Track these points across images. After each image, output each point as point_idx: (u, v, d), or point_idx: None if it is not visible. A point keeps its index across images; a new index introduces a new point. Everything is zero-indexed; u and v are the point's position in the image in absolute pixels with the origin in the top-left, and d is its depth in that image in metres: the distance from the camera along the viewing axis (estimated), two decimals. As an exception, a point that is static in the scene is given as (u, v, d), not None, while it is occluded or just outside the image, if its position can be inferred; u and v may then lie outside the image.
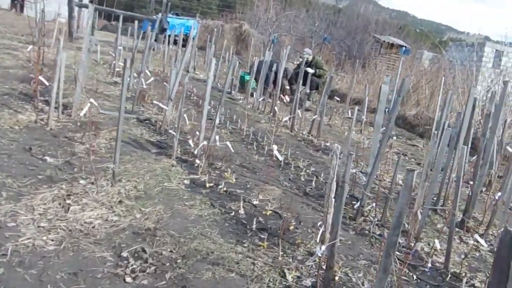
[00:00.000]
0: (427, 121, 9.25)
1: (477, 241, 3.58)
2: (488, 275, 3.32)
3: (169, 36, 13.33)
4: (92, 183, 3.69)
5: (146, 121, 6.08)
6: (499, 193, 4.26)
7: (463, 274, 3.35)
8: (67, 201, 3.33)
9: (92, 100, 3.96)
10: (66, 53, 5.40)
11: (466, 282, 3.22)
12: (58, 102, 5.30)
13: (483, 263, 3.63)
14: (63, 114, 5.47)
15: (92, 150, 4.26)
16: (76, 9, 14.89)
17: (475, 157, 4.68)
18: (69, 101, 5.87)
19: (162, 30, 14.55)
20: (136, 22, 10.06)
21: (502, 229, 1.93)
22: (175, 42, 14.19)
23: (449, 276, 3.29)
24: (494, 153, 5.09)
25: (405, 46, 16.80)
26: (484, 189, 5.33)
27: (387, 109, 7.94)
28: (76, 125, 5.26)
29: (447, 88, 8.38)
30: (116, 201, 3.50)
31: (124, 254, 2.82)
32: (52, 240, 2.82)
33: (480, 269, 3.52)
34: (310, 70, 9.72)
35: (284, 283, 2.81)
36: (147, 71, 7.56)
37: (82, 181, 3.73)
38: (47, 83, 5.50)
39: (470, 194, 4.30)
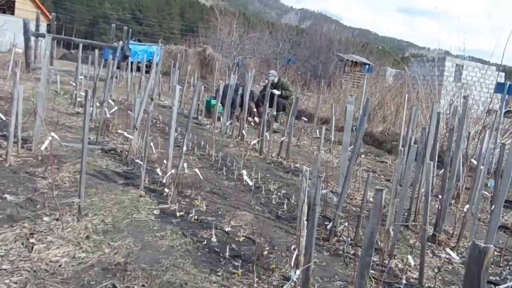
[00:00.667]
0: (394, 137, 9.42)
1: (449, 254, 3.62)
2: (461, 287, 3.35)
3: (132, 63, 13.24)
4: (57, 219, 3.55)
5: (112, 152, 5.95)
6: (467, 205, 4.33)
7: (438, 289, 3.36)
8: (31, 240, 3.18)
9: (53, 133, 3.84)
10: (23, 85, 5.26)
11: (442, 297, 3.24)
12: (17, 136, 5.13)
13: (456, 276, 3.66)
14: (23, 149, 5.29)
15: (55, 185, 4.12)
16: (33, 39, 14.60)
17: (442, 170, 4.76)
18: (28, 134, 5.69)
19: (125, 57, 14.44)
20: (97, 50, 9.94)
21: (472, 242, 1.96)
22: (138, 69, 14.11)
23: (424, 291, 3.30)
24: (460, 165, 5.20)
25: (369, 64, 17.18)
26: (452, 201, 5.43)
27: (354, 127, 8.04)
28: (37, 159, 5.09)
29: (411, 103, 8.59)
30: (83, 237, 3.37)
31: (94, 292, 2.71)
32: (16, 283, 2.68)
33: (453, 282, 3.54)
34: (277, 92, 9.81)
35: (261, 311, 2.75)
36: (110, 100, 7.45)
37: (46, 218, 3.59)
38: (3, 118, 5.32)
39: (440, 207, 4.36)
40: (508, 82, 7.10)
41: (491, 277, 3.66)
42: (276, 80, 10.59)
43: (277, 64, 21.81)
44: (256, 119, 10.17)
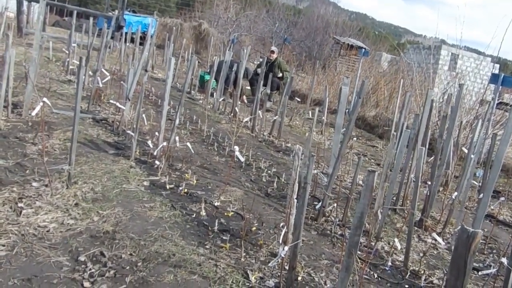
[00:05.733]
0: (386, 122, 9.43)
1: (435, 240, 3.67)
2: (445, 272, 3.41)
3: (126, 33, 13.03)
4: (46, 186, 3.53)
5: (103, 121, 5.90)
6: (456, 193, 4.38)
7: (422, 272, 3.42)
8: (19, 205, 3.16)
9: (45, 99, 3.76)
10: (15, 50, 5.16)
11: (425, 279, 3.30)
12: (7, 101, 5.05)
13: (441, 261, 3.72)
14: (13, 114, 5.22)
15: (45, 151, 4.08)
16: (25, 3, 14.28)
17: (432, 157, 4.79)
18: (19, 100, 5.61)
19: (119, 27, 14.20)
20: (91, 18, 9.76)
21: (459, 227, 1.97)
22: (132, 40, 13.90)
23: (409, 273, 3.35)
24: (450, 153, 5.23)
25: (365, 48, 17.09)
26: (441, 188, 5.48)
27: (347, 110, 8.04)
28: (27, 125, 5.03)
29: (405, 90, 8.58)
30: (72, 204, 3.36)
31: (82, 258, 2.71)
32: (3, 245, 2.68)
33: (438, 266, 3.60)
34: (279, 74, 9.83)
35: (247, 284, 2.78)
36: (103, 69, 7.34)
37: (35, 184, 3.56)
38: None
39: (428, 193, 4.40)
40: (503, 74, 7.12)
41: (475, 264, 3.73)
42: (274, 58, 10.47)
43: (272, 43, 21.61)
44: (244, 98, 10.09)
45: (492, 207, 5.31)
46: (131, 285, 2.54)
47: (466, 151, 4.91)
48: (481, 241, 4.21)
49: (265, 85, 8.33)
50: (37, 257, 2.63)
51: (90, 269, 2.60)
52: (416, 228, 4.24)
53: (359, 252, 3.31)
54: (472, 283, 3.43)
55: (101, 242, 2.92)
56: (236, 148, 4.30)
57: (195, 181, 4.38)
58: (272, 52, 10.51)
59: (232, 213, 3.81)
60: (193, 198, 3.96)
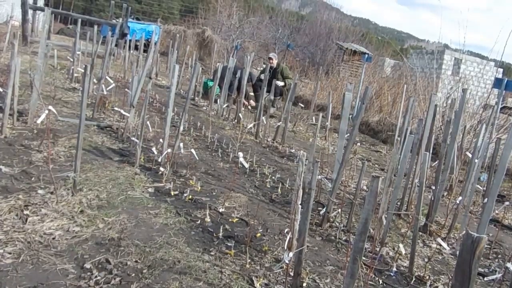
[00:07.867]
0: (389, 127, 9.42)
1: (440, 245, 3.66)
2: (450, 277, 3.40)
3: (130, 41, 13.11)
4: (52, 193, 3.56)
5: (107, 128, 5.93)
6: (460, 197, 4.37)
7: (427, 277, 3.41)
8: (25, 212, 3.18)
9: (50, 107, 3.81)
10: (20, 58, 5.20)
11: (430, 285, 3.29)
12: (13, 108, 5.09)
13: (446, 266, 3.71)
14: (19, 121, 5.26)
15: (51, 159, 4.10)
16: (30, 11, 14.40)
17: (436, 162, 4.79)
18: (24, 107, 5.65)
19: (123, 35, 14.28)
20: (96, 26, 9.82)
21: (464, 232, 1.97)
22: (136, 47, 13.98)
23: (414, 279, 3.35)
24: (454, 158, 5.23)
25: (368, 53, 17.06)
26: (445, 193, 5.47)
27: (351, 116, 8.04)
28: (32, 132, 5.06)
29: (408, 95, 8.58)
30: (77, 211, 3.38)
31: (87, 265, 2.72)
32: (10, 253, 2.69)
33: (443, 272, 3.59)
34: (280, 83, 9.80)
35: (252, 291, 2.78)
36: (107, 77, 7.39)
37: (40, 191, 3.59)
38: (0, 89, 5.28)
39: (432, 198, 4.40)
40: (506, 78, 7.12)
41: (480, 269, 3.71)
42: (275, 64, 10.49)
43: (276, 49, 21.66)
44: (252, 102, 10.13)
45: (496, 212, 5.30)
46: (137, 292, 2.55)
47: (470, 155, 4.91)
48: (486, 246, 4.21)
49: (268, 91, 8.35)
50: (43, 264, 2.64)
51: (95, 277, 2.61)
52: (420, 233, 4.23)
53: (364, 258, 3.31)
54: (477, 288, 3.42)
55: (107, 249, 2.93)
56: (241, 154, 4.32)
57: (199, 188, 4.39)
58: (271, 59, 10.52)
59: (237, 219, 3.81)
60: (197, 205, 3.98)
